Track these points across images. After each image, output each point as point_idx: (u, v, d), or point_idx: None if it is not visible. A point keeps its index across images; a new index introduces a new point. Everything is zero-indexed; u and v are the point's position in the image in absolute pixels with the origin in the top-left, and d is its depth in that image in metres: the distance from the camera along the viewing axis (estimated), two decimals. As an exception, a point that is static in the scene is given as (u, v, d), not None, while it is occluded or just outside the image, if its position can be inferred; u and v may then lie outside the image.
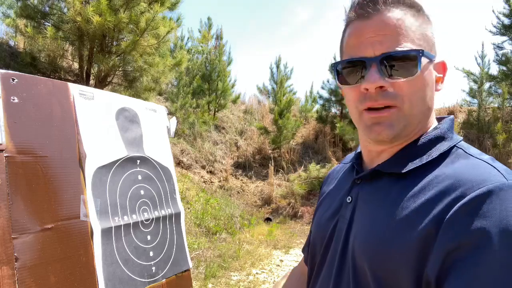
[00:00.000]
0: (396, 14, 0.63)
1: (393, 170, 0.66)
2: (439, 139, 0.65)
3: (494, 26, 9.02)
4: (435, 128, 0.68)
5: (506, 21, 8.85)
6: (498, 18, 8.95)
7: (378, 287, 0.59)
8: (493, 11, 9.01)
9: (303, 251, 0.99)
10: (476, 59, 9.61)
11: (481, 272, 0.49)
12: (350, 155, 0.88)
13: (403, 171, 0.64)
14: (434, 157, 0.63)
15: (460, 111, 10.69)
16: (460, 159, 0.61)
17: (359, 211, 0.69)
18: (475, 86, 9.70)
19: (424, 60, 0.63)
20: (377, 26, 0.63)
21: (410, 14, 0.64)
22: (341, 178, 0.85)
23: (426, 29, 0.66)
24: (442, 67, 0.69)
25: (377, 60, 0.62)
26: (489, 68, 9.54)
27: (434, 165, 0.62)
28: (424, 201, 0.58)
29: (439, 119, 0.72)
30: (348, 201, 0.73)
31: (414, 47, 0.62)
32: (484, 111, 9.37)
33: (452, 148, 0.64)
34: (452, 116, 0.72)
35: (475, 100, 9.76)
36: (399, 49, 0.61)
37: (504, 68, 8.97)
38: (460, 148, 0.64)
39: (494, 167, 0.57)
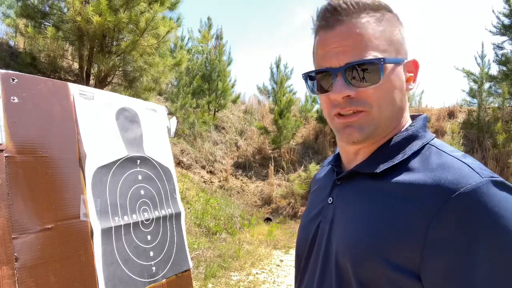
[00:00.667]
0: (359, 23, 0.64)
1: (368, 171, 0.68)
2: (412, 138, 0.67)
3: (494, 26, 9.02)
4: (409, 127, 0.70)
5: (506, 21, 8.85)
6: (498, 18, 8.95)
7: (360, 287, 0.61)
8: (493, 11, 9.02)
9: None
10: (476, 59, 9.61)
11: (468, 283, 0.51)
12: (330, 158, 0.89)
13: (377, 171, 0.66)
14: (406, 156, 0.65)
15: (460, 111, 10.68)
16: (433, 157, 0.63)
17: (339, 211, 0.71)
18: (475, 86, 9.69)
19: (388, 66, 0.65)
20: (340, 36, 0.65)
21: (373, 20, 0.65)
22: (323, 179, 0.87)
23: (392, 32, 0.67)
24: (413, 66, 0.70)
25: (341, 70, 0.64)
26: (489, 68, 9.54)
27: (407, 164, 0.64)
28: (403, 202, 0.59)
29: (413, 117, 0.74)
30: (330, 202, 0.74)
31: (379, 55, 0.64)
32: (484, 111, 9.37)
33: (424, 146, 0.66)
34: (425, 115, 0.74)
35: (475, 100, 9.76)
36: (361, 58, 0.63)
37: (504, 68, 8.97)
38: (433, 146, 0.65)
39: (467, 165, 0.58)
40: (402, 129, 0.70)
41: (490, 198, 0.52)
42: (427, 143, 0.66)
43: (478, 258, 0.51)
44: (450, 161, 0.60)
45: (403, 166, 0.64)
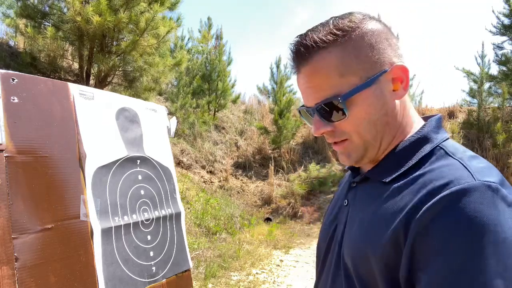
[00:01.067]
0: (319, 62, 0.65)
1: (377, 178, 0.69)
2: (420, 142, 0.66)
3: (494, 26, 9.02)
4: (419, 130, 0.69)
5: (506, 21, 8.84)
6: (498, 18, 8.95)
7: (362, 286, 0.63)
8: (493, 11, 9.01)
9: None
10: (476, 59, 9.61)
11: (437, 276, 0.51)
12: None
13: (386, 180, 0.66)
14: (414, 162, 0.64)
15: (460, 111, 10.69)
16: (440, 160, 0.62)
17: (351, 214, 0.73)
18: (475, 86, 9.69)
19: (353, 98, 0.64)
20: (306, 78, 0.68)
21: (338, 48, 0.64)
22: (344, 182, 0.90)
23: (359, 54, 0.65)
24: (401, 71, 0.67)
25: (314, 110, 0.68)
26: (489, 68, 9.54)
27: (415, 169, 0.64)
28: (399, 203, 0.60)
29: (427, 118, 0.73)
30: (345, 204, 0.77)
31: (338, 92, 0.64)
32: (484, 111, 9.37)
33: (434, 148, 0.65)
34: (439, 115, 0.72)
35: (475, 100, 9.75)
36: (322, 99, 0.66)
37: (504, 68, 8.97)
38: (442, 148, 0.64)
39: (466, 167, 0.57)
40: (409, 134, 0.69)
41: (478, 201, 0.51)
42: (437, 146, 0.65)
43: (445, 260, 0.51)
44: (451, 163, 0.60)
45: (411, 171, 0.64)
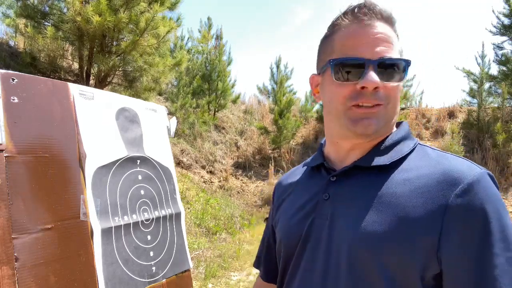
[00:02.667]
0: (388, 28, 0.72)
1: (374, 164, 0.71)
2: (405, 138, 0.75)
3: (494, 26, 9.02)
4: (399, 129, 0.77)
5: (506, 21, 8.84)
6: (498, 18, 8.94)
7: (386, 278, 0.63)
8: (493, 11, 9.01)
9: (258, 266, 1.00)
10: (476, 59, 9.60)
11: (489, 252, 0.59)
12: (306, 161, 0.92)
13: (387, 162, 0.70)
14: (406, 152, 0.72)
15: (460, 111, 10.68)
16: (430, 153, 0.71)
17: (343, 206, 0.72)
18: (475, 86, 9.68)
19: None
20: (375, 32, 0.70)
21: (395, 32, 0.73)
22: (302, 181, 0.88)
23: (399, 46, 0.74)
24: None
25: (375, 63, 0.68)
26: (489, 68, 9.53)
27: (406, 160, 0.71)
28: (419, 189, 0.65)
29: (397, 125, 0.81)
30: (325, 198, 0.75)
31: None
32: (484, 111, 9.37)
33: (416, 146, 0.74)
34: (406, 121, 0.82)
35: (475, 100, 9.74)
36: (393, 56, 0.70)
37: (504, 68, 8.96)
38: (425, 146, 0.74)
39: (465, 159, 0.67)
40: (393, 131, 0.77)
41: (490, 187, 0.63)
42: (417, 144, 0.75)
43: (491, 237, 0.59)
44: (448, 156, 0.69)
45: (404, 161, 0.71)
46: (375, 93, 0.69)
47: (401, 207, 0.64)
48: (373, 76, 0.68)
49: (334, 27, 0.75)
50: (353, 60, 0.70)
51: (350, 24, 0.72)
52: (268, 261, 0.96)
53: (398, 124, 0.80)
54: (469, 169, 0.64)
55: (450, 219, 0.61)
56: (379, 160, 0.71)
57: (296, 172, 0.93)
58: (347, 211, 0.71)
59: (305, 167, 0.90)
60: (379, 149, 0.73)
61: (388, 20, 0.72)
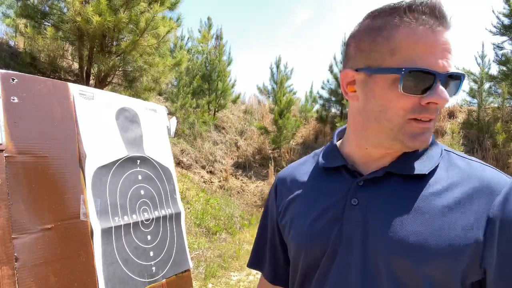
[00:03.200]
0: (449, 35, 0.65)
1: (410, 172, 0.69)
2: (432, 143, 0.73)
3: (494, 26, 9.02)
4: None
5: (506, 21, 8.84)
6: (498, 18, 8.94)
7: (428, 286, 0.63)
8: (493, 11, 9.00)
9: (258, 266, 0.95)
10: (476, 59, 9.60)
11: None
12: (311, 157, 0.87)
13: (425, 172, 0.68)
14: (436, 160, 0.70)
15: (460, 111, 10.68)
16: (459, 161, 0.70)
17: (378, 214, 0.68)
18: (475, 86, 9.68)
19: None
20: (446, 42, 0.63)
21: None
22: (317, 182, 0.81)
23: None
24: None
25: (445, 77, 0.63)
26: (489, 68, 9.53)
27: (440, 167, 0.70)
28: (457, 200, 0.65)
29: None
30: (354, 203, 0.71)
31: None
32: (484, 111, 9.37)
33: (442, 152, 0.72)
34: None
35: (475, 100, 9.74)
36: (457, 71, 0.65)
37: (504, 68, 8.96)
38: (450, 152, 0.73)
39: (494, 169, 0.68)
40: None
41: None
42: (443, 149, 0.73)
43: None
44: (477, 164, 0.69)
45: (436, 170, 0.70)
46: (435, 108, 0.65)
47: (440, 219, 0.64)
48: (444, 92, 0.63)
49: (392, 21, 0.65)
50: (426, 71, 0.62)
51: (418, 26, 0.63)
52: (274, 262, 0.91)
53: None
54: (501, 179, 0.65)
55: (493, 229, 0.61)
56: (415, 169, 0.69)
57: (303, 169, 0.86)
58: (382, 218, 0.67)
59: (314, 165, 0.84)
60: (410, 155, 0.71)
61: (449, 25, 0.65)
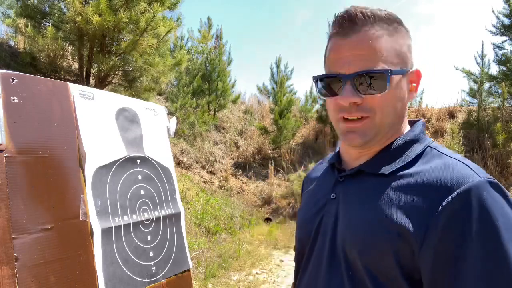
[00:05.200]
0: (372, 34, 0.68)
1: (374, 171, 0.72)
2: (413, 141, 0.73)
3: (494, 26, 9.02)
4: (409, 132, 0.75)
5: (506, 21, 8.84)
6: (498, 18, 8.94)
7: (371, 277, 0.65)
8: (493, 11, 9.01)
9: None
10: (476, 59, 9.60)
11: (466, 266, 0.57)
12: (330, 155, 0.94)
13: (385, 173, 0.70)
14: (411, 158, 0.71)
15: (460, 111, 10.68)
16: (435, 158, 0.69)
17: (344, 206, 0.75)
18: (475, 86, 9.68)
19: (394, 78, 0.69)
20: (354, 45, 0.68)
21: (386, 33, 0.69)
22: (321, 177, 0.91)
23: (401, 44, 0.71)
24: (416, 76, 0.75)
25: (350, 78, 0.68)
26: (489, 68, 9.53)
27: (412, 165, 0.70)
28: (408, 197, 0.65)
29: (411, 123, 0.80)
30: (333, 197, 0.78)
31: (386, 67, 0.68)
32: (484, 111, 9.37)
33: (425, 149, 0.72)
34: (422, 120, 0.80)
35: (475, 100, 9.74)
36: (371, 68, 0.67)
37: (504, 68, 8.96)
38: (434, 148, 0.72)
39: (468, 166, 0.64)
40: (402, 134, 0.75)
41: (486, 197, 0.58)
42: (428, 146, 0.72)
43: (468, 251, 0.57)
44: (451, 162, 0.66)
45: (408, 167, 0.70)
46: (357, 107, 0.69)
47: (389, 211, 0.65)
48: (347, 92, 0.68)
49: (328, 38, 0.75)
50: (331, 76, 0.71)
51: (335, 36, 0.71)
52: None
53: (415, 123, 0.79)
54: (465, 179, 0.61)
55: (435, 227, 0.60)
56: (380, 168, 0.72)
57: (320, 167, 0.96)
58: (347, 210, 0.73)
59: (328, 163, 0.92)
60: (384, 154, 0.74)
61: (377, 23, 0.69)
